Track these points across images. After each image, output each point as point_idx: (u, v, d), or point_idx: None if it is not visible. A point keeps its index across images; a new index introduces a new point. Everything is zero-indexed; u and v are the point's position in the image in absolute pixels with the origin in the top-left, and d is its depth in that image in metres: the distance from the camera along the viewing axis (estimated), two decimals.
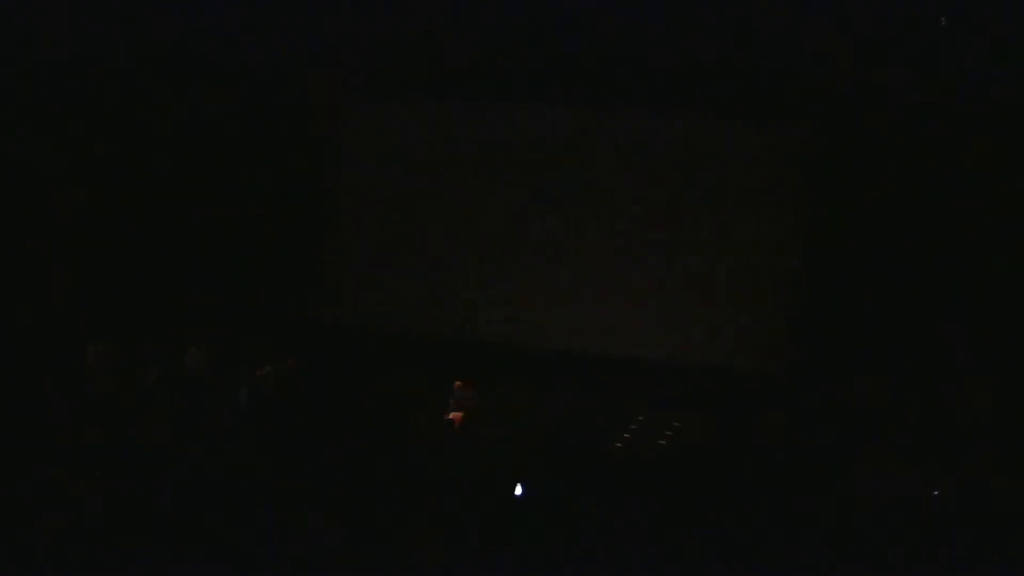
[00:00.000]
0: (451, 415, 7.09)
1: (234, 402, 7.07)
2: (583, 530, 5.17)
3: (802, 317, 7.49)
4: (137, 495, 5.13)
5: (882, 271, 6.95)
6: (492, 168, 8.89)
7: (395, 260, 9.08)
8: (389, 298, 9.08)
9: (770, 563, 4.83)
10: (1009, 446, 5.63)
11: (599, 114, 8.58)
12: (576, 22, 8.00)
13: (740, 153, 8.29)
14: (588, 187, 8.75)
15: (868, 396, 6.58)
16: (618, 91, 8.20)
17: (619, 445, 7.57)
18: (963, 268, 6.51)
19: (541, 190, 8.72)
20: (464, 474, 5.80)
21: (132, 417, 6.35)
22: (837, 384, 6.88)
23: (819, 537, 5.11)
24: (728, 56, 7.32)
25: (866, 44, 6.52)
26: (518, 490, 5.56)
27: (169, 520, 4.96)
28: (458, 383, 7.49)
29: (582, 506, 5.46)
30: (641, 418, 7.81)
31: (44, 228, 9.10)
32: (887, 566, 4.63)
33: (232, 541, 4.92)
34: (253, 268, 9.11)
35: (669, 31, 7.66)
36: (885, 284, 6.97)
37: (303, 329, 8.97)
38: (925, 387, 6.45)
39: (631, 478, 6.37)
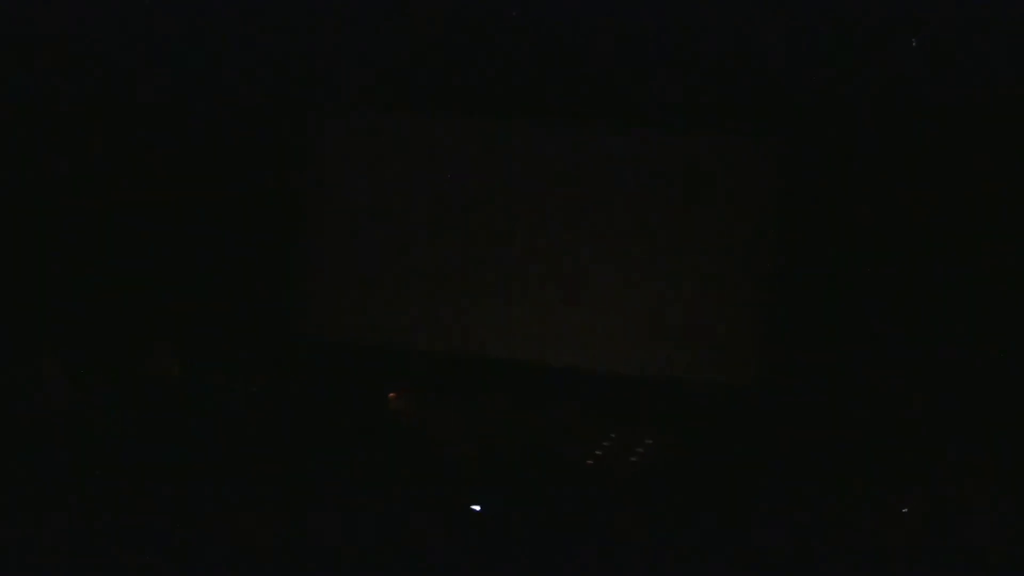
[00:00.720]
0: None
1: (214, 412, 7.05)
2: (547, 545, 5.15)
3: (779, 330, 7.47)
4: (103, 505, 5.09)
5: (859, 283, 6.94)
6: (470, 182, 8.91)
7: (370, 272, 9.08)
8: (365, 310, 9.08)
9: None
10: (986, 457, 5.61)
11: (573, 128, 8.60)
12: (553, 36, 8.02)
13: (713, 166, 8.31)
14: (563, 201, 8.77)
15: (844, 407, 6.59)
16: (593, 106, 8.21)
17: (590, 462, 7.55)
18: (940, 279, 6.49)
19: (517, 205, 8.73)
20: (429, 487, 5.79)
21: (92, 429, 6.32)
22: (812, 396, 6.87)
23: (793, 549, 5.11)
24: (701, 69, 7.32)
25: (841, 55, 6.52)
26: (476, 507, 5.53)
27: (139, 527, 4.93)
28: (392, 394, 7.58)
29: (548, 522, 5.44)
30: (613, 435, 7.78)
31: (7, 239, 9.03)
32: None
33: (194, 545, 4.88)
34: (224, 281, 9.07)
35: (643, 45, 7.67)
36: (862, 296, 6.97)
37: (277, 342, 8.95)
38: (899, 398, 6.44)
39: (602, 494, 6.37)
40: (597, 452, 7.69)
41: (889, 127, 6.56)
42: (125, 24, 8.61)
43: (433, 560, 5.02)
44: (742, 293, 8.37)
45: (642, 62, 7.61)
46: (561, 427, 7.96)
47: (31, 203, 8.97)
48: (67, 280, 9.04)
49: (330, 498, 5.39)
